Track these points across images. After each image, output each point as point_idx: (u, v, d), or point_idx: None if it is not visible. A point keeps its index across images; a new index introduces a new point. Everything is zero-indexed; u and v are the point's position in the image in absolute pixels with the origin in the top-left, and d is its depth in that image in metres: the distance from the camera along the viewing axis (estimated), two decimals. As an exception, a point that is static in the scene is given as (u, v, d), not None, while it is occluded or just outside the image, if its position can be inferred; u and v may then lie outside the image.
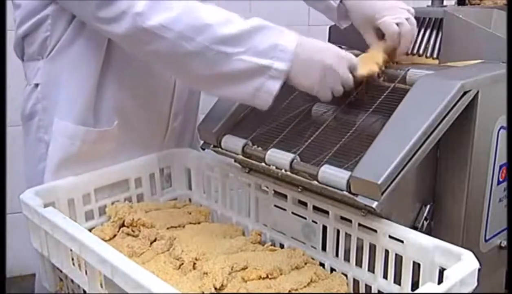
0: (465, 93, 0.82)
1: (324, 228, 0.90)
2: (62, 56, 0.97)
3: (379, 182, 0.74)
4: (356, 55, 0.93)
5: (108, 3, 0.84)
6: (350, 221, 0.85)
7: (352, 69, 0.89)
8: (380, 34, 1.04)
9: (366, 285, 0.85)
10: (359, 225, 0.84)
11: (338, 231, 0.88)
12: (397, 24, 1.00)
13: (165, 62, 0.90)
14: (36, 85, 1.00)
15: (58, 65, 0.98)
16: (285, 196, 0.96)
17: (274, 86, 0.85)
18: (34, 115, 1.02)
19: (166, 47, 0.84)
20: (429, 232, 0.90)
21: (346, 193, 0.79)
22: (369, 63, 0.94)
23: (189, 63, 0.86)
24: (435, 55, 1.05)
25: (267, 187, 0.98)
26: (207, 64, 0.85)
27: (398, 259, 0.80)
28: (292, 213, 0.95)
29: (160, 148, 1.11)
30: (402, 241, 0.79)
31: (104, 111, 1.01)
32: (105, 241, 0.89)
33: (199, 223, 1.04)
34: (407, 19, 1.01)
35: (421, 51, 1.07)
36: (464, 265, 0.70)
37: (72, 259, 0.84)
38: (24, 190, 0.92)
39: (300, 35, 0.87)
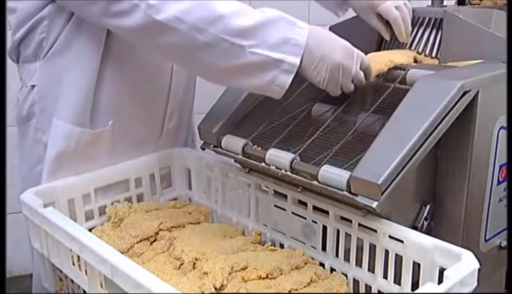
0: (465, 93, 0.82)
1: (324, 228, 0.90)
2: (59, 57, 0.97)
3: (379, 182, 0.74)
4: None
5: None
6: (350, 221, 0.85)
7: (363, 68, 0.89)
8: (383, 21, 1.06)
9: (366, 285, 0.85)
10: (359, 225, 0.84)
11: (338, 231, 0.88)
12: (396, 8, 1.02)
13: (178, 55, 0.90)
14: (33, 86, 1.00)
15: (55, 66, 0.97)
16: (285, 196, 0.96)
17: (287, 79, 0.85)
18: (31, 116, 1.01)
19: (179, 39, 0.84)
20: (429, 232, 0.90)
21: (346, 193, 0.79)
22: (377, 64, 0.95)
23: (202, 55, 0.86)
24: (434, 55, 1.05)
25: (267, 187, 0.98)
26: (220, 56, 0.85)
27: (398, 259, 0.80)
28: (292, 213, 0.95)
29: (155, 148, 1.11)
30: (402, 241, 0.79)
31: (100, 112, 1.00)
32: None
33: (199, 223, 1.04)
34: (404, 4, 1.04)
35: (420, 49, 1.07)
36: (464, 265, 0.70)
37: (72, 259, 0.85)
38: (23, 190, 0.92)
39: (314, 26, 0.88)
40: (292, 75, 0.85)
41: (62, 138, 0.98)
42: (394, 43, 1.10)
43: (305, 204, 0.93)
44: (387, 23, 1.06)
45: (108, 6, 0.85)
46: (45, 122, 1.00)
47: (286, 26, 0.85)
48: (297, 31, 0.85)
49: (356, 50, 0.89)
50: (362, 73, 0.89)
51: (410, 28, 1.05)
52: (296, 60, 0.85)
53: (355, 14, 1.15)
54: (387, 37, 1.07)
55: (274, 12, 0.86)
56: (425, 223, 0.90)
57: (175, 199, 1.14)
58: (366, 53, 0.93)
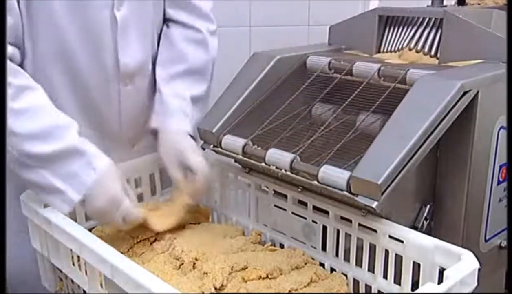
0: (465, 93, 0.82)
1: (324, 228, 0.90)
2: None
3: (379, 182, 0.74)
4: (355, 55, 0.93)
5: None
6: (350, 221, 0.85)
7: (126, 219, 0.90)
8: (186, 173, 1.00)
9: (366, 285, 0.85)
10: (359, 225, 0.84)
11: (338, 231, 0.88)
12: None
13: None
14: None
15: None
16: (285, 196, 0.96)
17: (65, 209, 0.86)
18: None
19: None
20: (429, 232, 0.90)
21: (346, 193, 0.79)
22: (169, 216, 0.97)
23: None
24: (432, 53, 1.05)
25: (267, 187, 0.98)
26: (12, 163, 0.85)
27: (398, 259, 0.80)
28: (292, 213, 0.95)
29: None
30: (402, 241, 0.79)
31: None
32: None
33: (199, 223, 1.04)
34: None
35: (419, 48, 1.07)
36: (464, 265, 0.70)
37: (72, 259, 0.85)
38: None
39: (110, 166, 0.88)
40: (70, 208, 0.86)
41: None
42: (394, 43, 1.10)
43: (305, 204, 0.93)
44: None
45: None
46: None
47: (79, 162, 0.85)
48: (87, 171, 0.86)
49: (123, 205, 0.88)
50: (121, 220, 0.89)
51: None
52: (77, 197, 0.85)
53: (354, 15, 1.15)
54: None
55: (74, 145, 0.86)
56: (425, 223, 0.90)
57: (175, 199, 1.14)
58: (365, 53, 0.93)
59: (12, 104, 0.82)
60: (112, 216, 0.88)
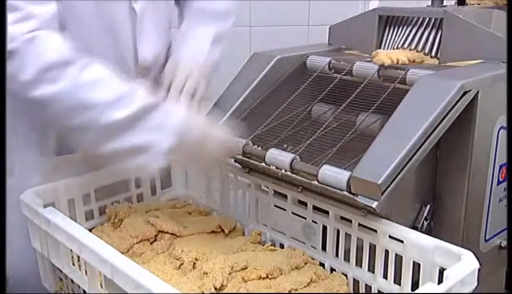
0: (465, 93, 0.82)
1: (324, 228, 0.90)
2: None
3: (379, 182, 0.74)
4: (355, 55, 0.93)
5: (9, 55, 0.81)
6: (350, 221, 0.85)
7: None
8: None
9: (366, 285, 0.85)
10: (359, 225, 0.84)
11: (338, 231, 0.88)
12: None
13: (60, 128, 0.91)
14: None
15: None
16: (285, 196, 0.96)
17: (157, 164, 0.86)
18: None
19: (54, 117, 0.85)
20: (429, 232, 0.90)
21: (346, 193, 0.79)
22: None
23: (78, 134, 0.86)
24: (434, 55, 1.05)
25: (267, 187, 0.98)
26: (91, 139, 0.85)
27: (398, 259, 0.80)
28: (292, 213, 0.95)
29: None
30: (402, 241, 0.79)
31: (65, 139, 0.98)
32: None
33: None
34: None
35: (419, 48, 1.07)
36: (464, 265, 0.70)
37: (72, 259, 0.85)
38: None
39: (190, 114, 0.89)
40: (163, 161, 0.86)
41: (29, 169, 0.98)
42: (394, 43, 1.10)
43: (305, 204, 0.92)
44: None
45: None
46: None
47: (160, 114, 0.85)
48: (171, 119, 0.86)
49: (228, 141, 0.90)
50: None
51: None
52: (167, 146, 0.84)
53: (354, 15, 1.15)
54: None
55: (149, 101, 0.86)
56: (425, 223, 0.90)
57: (175, 199, 1.14)
58: (365, 53, 0.93)
59: (82, 78, 0.82)
60: (211, 148, 0.88)
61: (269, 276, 0.84)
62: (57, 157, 1.00)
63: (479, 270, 0.70)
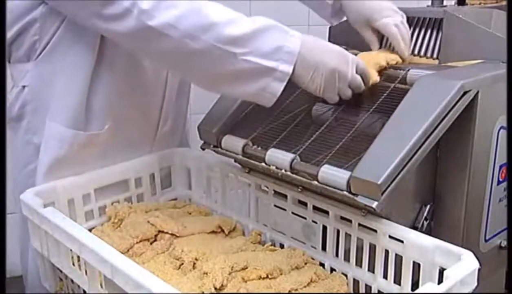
0: (465, 93, 0.82)
1: (324, 228, 0.90)
2: (52, 59, 0.95)
3: (379, 182, 0.74)
4: (355, 55, 0.93)
5: (112, 1, 0.82)
6: (350, 221, 0.85)
7: (359, 72, 0.89)
8: (378, 35, 1.05)
9: (366, 285, 0.85)
10: (359, 225, 0.84)
11: (338, 231, 0.88)
12: (395, 26, 1.01)
13: (170, 61, 0.90)
14: (24, 87, 0.98)
15: (48, 68, 0.96)
16: (285, 196, 0.96)
17: (278, 87, 0.85)
18: (22, 117, 1.00)
19: (171, 45, 0.84)
20: (429, 232, 0.90)
21: (346, 193, 0.79)
22: (369, 65, 0.95)
23: (194, 62, 0.86)
24: (435, 55, 1.05)
25: (267, 187, 0.98)
26: (212, 63, 0.84)
27: (398, 259, 0.80)
28: (292, 213, 0.95)
29: (150, 150, 1.11)
30: (402, 241, 0.79)
31: (94, 115, 0.99)
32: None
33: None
34: (401, 22, 1.03)
35: (422, 52, 1.07)
36: (464, 265, 0.70)
37: (72, 259, 0.85)
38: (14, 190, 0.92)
39: (305, 35, 0.88)
40: (284, 83, 0.85)
41: (56, 141, 0.97)
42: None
43: (305, 204, 0.93)
44: (382, 38, 1.05)
45: (100, 9, 0.84)
46: (36, 124, 0.99)
47: (279, 34, 0.85)
48: (289, 39, 0.85)
49: (350, 55, 0.89)
50: (359, 77, 0.89)
51: (410, 46, 1.05)
52: (289, 68, 0.85)
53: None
54: (375, 48, 1.07)
55: (267, 21, 0.86)
56: (425, 223, 0.90)
57: (175, 199, 1.14)
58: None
59: (197, 2, 0.83)
60: (343, 70, 0.86)
61: (269, 276, 0.84)
62: (85, 133, 0.99)
63: (479, 270, 0.70)
